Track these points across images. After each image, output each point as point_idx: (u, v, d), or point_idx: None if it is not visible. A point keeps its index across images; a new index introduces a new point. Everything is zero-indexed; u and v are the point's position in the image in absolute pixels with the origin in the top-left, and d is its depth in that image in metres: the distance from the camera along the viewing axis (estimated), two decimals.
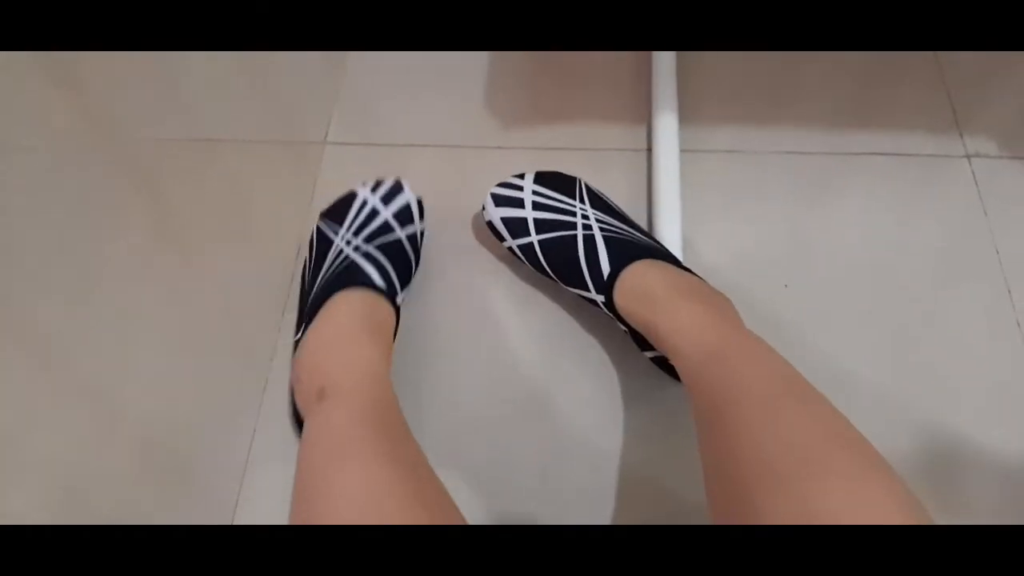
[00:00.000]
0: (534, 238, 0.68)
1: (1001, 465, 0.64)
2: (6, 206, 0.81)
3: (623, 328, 0.65)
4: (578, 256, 0.65)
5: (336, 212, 0.71)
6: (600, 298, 0.64)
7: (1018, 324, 0.71)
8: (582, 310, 0.72)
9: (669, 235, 0.73)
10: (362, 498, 0.46)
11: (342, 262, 0.66)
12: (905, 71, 0.88)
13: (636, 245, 0.66)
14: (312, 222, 0.74)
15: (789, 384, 0.50)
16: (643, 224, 0.76)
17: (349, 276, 0.64)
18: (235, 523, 0.63)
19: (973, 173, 0.80)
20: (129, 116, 0.87)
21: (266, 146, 0.84)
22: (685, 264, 0.67)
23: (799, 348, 0.69)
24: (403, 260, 0.68)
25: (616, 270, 0.63)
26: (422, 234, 0.73)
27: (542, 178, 0.72)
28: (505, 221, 0.70)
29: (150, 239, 0.78)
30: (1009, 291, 0.72)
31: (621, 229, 0.67)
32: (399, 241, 0.69)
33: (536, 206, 0.69)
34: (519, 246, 0.70)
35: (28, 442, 0.67)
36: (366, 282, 0.64)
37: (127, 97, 0.88)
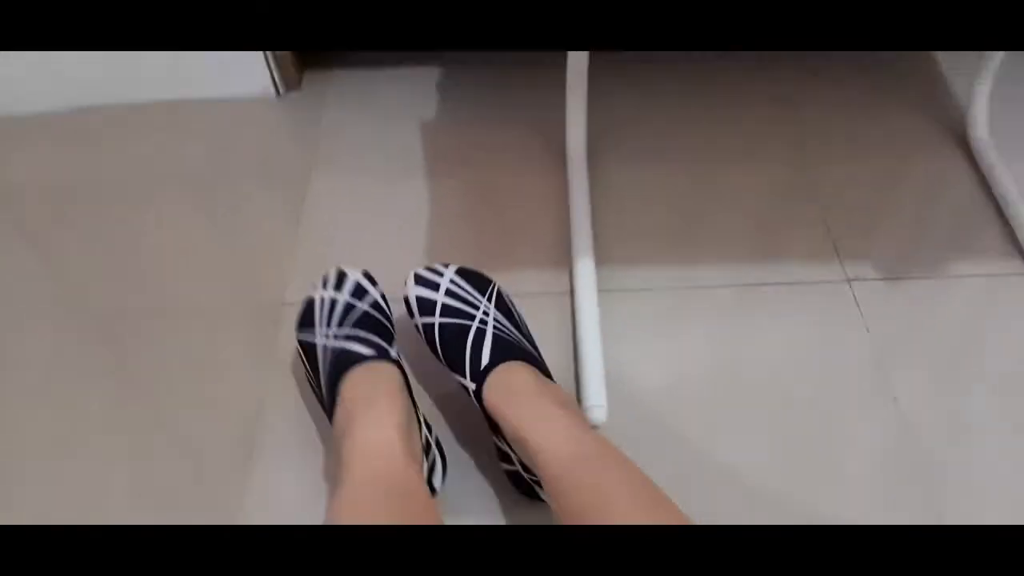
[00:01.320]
0: (436, 319, 0.76)
1: None
2: None
3: (487, 420, 0.72)
4: (466, 344, 0.72)
5: (306, 320, 0.78)
6: (472, 386, 0.70)
7: (908, 427, 0.80)
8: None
9: (593, 366, 0.83)
10: None
11: (330, 355, 0.72)
12: (793, 207, 1.01)
13: (519, 348, 0.73)
14: (273, 381, 0.82)
15: (643, 489, 0.58)
16: (569, 359, 0.85)
17: (341, 362, 0.71)
18: None
19: (854, 295, 0.91)
20: (91, 284, 0.95)
21: (225, 311, 0.92)
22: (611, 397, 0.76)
23: (715, 458, 0.78)
24: (377, 324, 0.75)
25: (493, 364, 0.70)
26: (383, 296, 0.80)
27: (462, 272, 0.80)
28: (418, 300, 0.78)
29: (116, 402, 0.85)
30: (895, 399, 0.82)
31: (512, 333, 0.75)
32: (365, 313, 0.76)
33: (448, 293, 0.77)
34: (423, 324, 0.77)
35: None
36: (356, 358, 0.71)
37: (93, 268, 0.97)
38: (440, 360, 0.76)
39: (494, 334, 0.73)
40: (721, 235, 0.98)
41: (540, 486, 0.70)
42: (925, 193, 1.03)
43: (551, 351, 0.86)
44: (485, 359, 0.71)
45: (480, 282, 0.80)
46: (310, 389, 0.81)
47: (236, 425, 0.82)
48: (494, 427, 0.71)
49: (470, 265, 0.82)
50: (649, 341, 0.88)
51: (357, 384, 0.70)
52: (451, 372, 0.74)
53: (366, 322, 0.75)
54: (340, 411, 0.69)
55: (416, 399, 0.73)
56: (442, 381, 0.81)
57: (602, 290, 0.90)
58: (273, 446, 0.80)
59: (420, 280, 0.79)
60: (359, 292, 0.79)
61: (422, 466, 0.69)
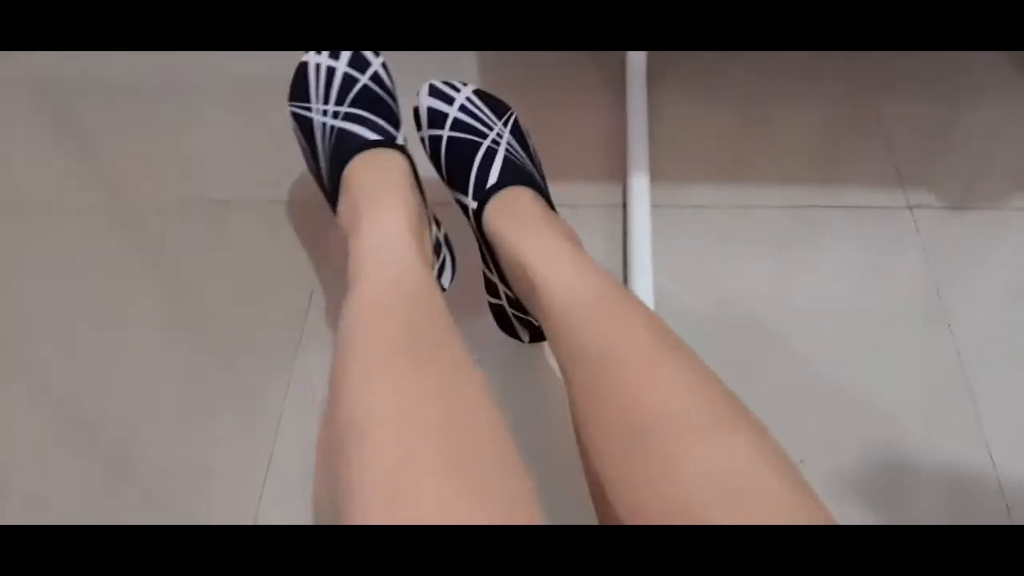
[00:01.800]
0: (445, 132, 0.69)
1: (941, 479, 0.71)
2: (21, 266, 0.90)
3: (480, 243, 0.66)
4: (473, 161, 0.66)
5: (298, 90, 0.71)
6: (473, 204, 0.64)
7: (957, 353, 0.79)
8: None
9: (643, 284, 0.82)
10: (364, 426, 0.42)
11: (331, 135, 0.66)
12: (854, 130, 0.98)
13: (529, 176, 0.66)
14: (325, 272, 0.82)
15: (663, 329, 0.51)
16: (618, 274, 0.85)
17: (344, 145, 0.65)
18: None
19: (916, 223, 0.89)
20: (140, 179, 0.96)
21: (279, 206, 0.93)
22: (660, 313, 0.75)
23: (763, 378, 0.78)
24: (379, 102, 0.69)
25: (500, 185, 0.63)
26: (384, 67, 0.73)
27: (480, 93, 0.73)
28: (429, 111, 0.71)
29: (166, 299, 0.86)
30: (949, 325, 0.81)
31: (524, 161, 0.68)
32: (366, 87, 0.69)
33: (462, 109, 0.70)
34: (430, 136, 0.70)
35: (42, 486, 0.73)
36: (361, 143, 0.65)
37: (139, 161, 0.98)
38: (441, 176, 0.70)
39: (505, 155, 0.66)
40: (779, 159, 0.96)
41: (524, 324, 0.68)
42: (993, 124, 0.99)
43: (598, 264, 0.85)
44: (492, 178, 0.64)
45: (498, 106, 0.73)
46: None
47: (285, 317, 0.83)
48: (488, 254, 0.66)
49: None
50: (700, 259, 0.87)
51: (362, 173, 0.63)
52: (451, 190, 0.68)
53: (368, 99, 0.68)
54: (345, 201, 0.63)
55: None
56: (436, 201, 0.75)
57: (655, 205, 0.89)
58: (322, 334, 0.81)
59: (434, 91, 0.72)
60: (359, 62, 0.70)
61: (433, 266, 0.64)
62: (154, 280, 0.88)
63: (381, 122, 0.66)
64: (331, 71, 0.69)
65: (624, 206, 0.90)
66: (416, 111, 0.72)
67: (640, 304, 0.53)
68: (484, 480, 0.39)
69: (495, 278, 0.67)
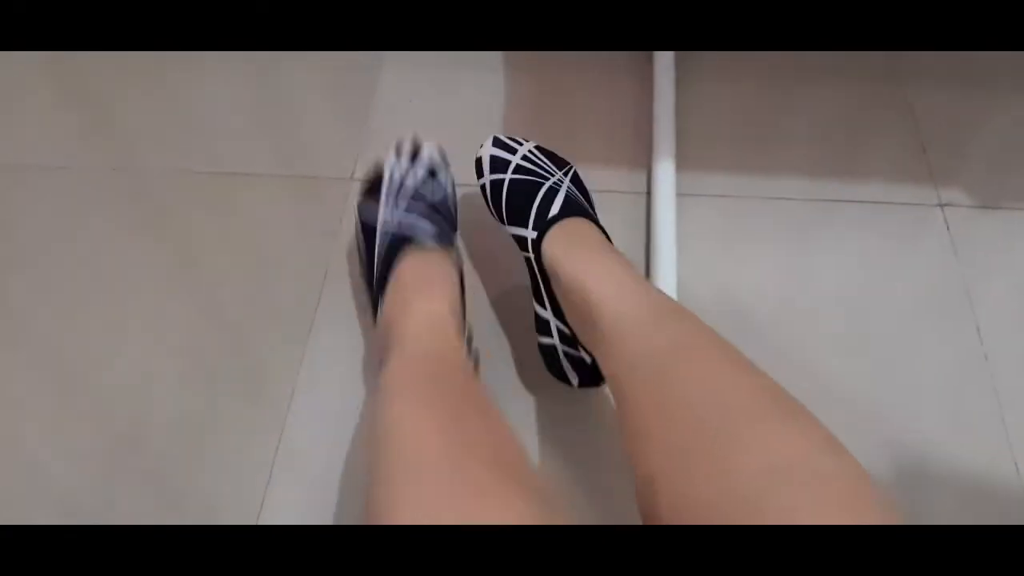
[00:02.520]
0: (508, 176, 0.71)
1: (964, 483, 0.70)
2: (29, 227, 0.88)
3: (534, 279, 0.67)
4: (535, 197, 0.68)
5: (372, 191, 0.73)
6: (533, 235, 0.65)
7: (985, 357, 0.77)
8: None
9: (665, 273, 0.80)
10: (403, 439, 0.47)
11: (393, 229, 0.69)
12: (883, 123, 0.96)
13: (589, 213, 0.68)
14: (337, 255, 0.81)
15: (727, 345, 0.52)
16: (641, 263, 0.83)
17: (403, 241, 0.67)
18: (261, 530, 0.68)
19: (946, 221, 0.87)
20: (157, 147, 0.94)
21: (293, 181, 0.91)
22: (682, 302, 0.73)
23: (782, 375, 0.76)
24: (443, 207, 0.72)
25: (561, 216, 0.65)
26: (452, 180, 0.76)
27: (541, 148, 0.76)
28: (492, 159, 0.74)
29: (176, 270, 0.85)
30: (978, 328, 0.79)
31: (583, 202, 0.70)
32: (432, 194, 0.72)
33: (525, 158, 0.73)
34: (491, 181, 0.72)
35: (46, 465, 0.72)
36: (418, 243, 0.67)
37: (156, 129, 0.95)
38: (498, 216, 0.71)
39: (567, 194, 0.68)
40: (807, 148, 0.93)
41: (575, 364, 0.67)
42: None
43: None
44: (554, 210, 0.66)
45: (558, 160, 0.76)
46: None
47: (299, 293, 0.81)
48: (544, 285, 0.66)
49: None
50: (724, 250, 0.85)
51: (416, 266, 0.66)
52: (510, 226, 0.69)
53: (434, 202, 0.72)
54: (394, 290, 0.65)
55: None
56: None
57: (680, 194, 0.86)
58: (335, 316, 0.80)
59: (498, 143, 0.75)
60: (433, 169, 0.75)
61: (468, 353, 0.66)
62: (164, 252, 0.86)
63: (441, 222, 0.70)
64: (404, 176, 0.72)
65: (648, 194, 0.88)
66: (479, 160, 0.75)
67: (698, 319, 0.54)
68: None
69: (548, 314, 0.67)
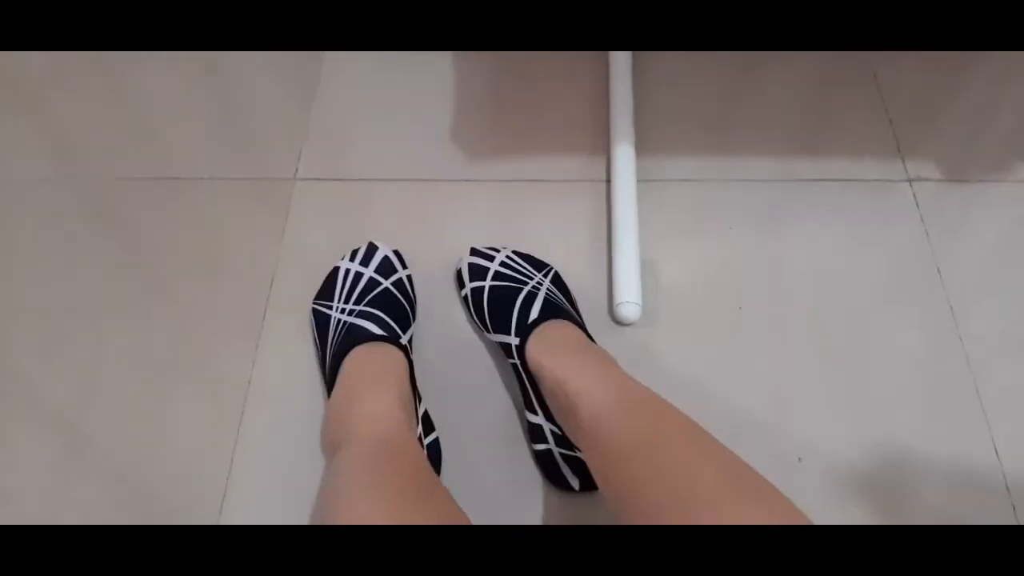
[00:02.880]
0: (487, 283, 0.72)
1: (944, 471, 0.68)
2: None
3: (523, 385, 0.68)
4: (515, 303, 0.69)
5: (325, 291, 0.74)
6: (516, 340, 0.66)
7: (960, 339, 0.74)
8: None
9: (628, 257, 0.77)
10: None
11: (341, 329, 0.69)
12: (849, 99, 0.93)
13: (569, 313, 0.69)
14: (283, 257, 0.77)
15: (696, 431, 0.52)
16: (604, 251, 0.79)
17: (350, 338, 0.67)
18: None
19: (915, 196, 0.84)
20: (97, 153, 0.89)
21: (237, 183, 0.86)
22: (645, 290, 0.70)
23: (752, 366, 0.73)
24: (395, 305, 0.71)
25: (541, 319, 0.66)
26: (409, 279, 0.75)
27: (519, 253, 0.77)
28: (471, 267, 0.75)
29: (119, 274, 0.80)
30: (951, 308, 0.76)
31: (564, 304, 0.71)
32: (387, 290, 0.72)
33: (503, 264, 0.74)
34: (472, 289, 0.73)
35: (7, 476, 0.68)
36: (366, 336, 0.67)
37: (95, 133, 0.90)
38: (482, 325, 0.73)
39: (546, 297, 0.70)
40: (771, 126, 0.90)
41: (574, 466, 0.66)
42: (996, 91, 0.94)
43: (583, 242, 0.80)
44: (534, 315, 0.67)
45: (536, 262, 0.76)
46: (317, 265, 0.76)
47: (247, 299, 0.77)
48: (532, 389, 0.67)
49: (501, 148, 0.76)
50: (688, 236, 0.82)
51: (363, 362, 0.66)
52: (494, 334, 0.70)
53: (385, 301, 0.71)
54: (341, 384, 0.65)
55: (422, 386, 0.70)
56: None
57: (641, 180, 0.83)
58: (284, 322, 0.76)
59: (475, 252, 0.76)
60: (386, 269, 0.74)
61: (420, 438, 0.66)
62: (106, 259, 0.81)
63: (390, 321, 0.69)
64: (358, 275, 0.73)
65: (608, 181, 0.84)
66: (459, 273, 0.76)
67: (669, 408, 0.54)
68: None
69: (540, 419, 0.67)
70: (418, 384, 0.69)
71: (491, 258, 0.75)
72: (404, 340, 0.69)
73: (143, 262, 0.81)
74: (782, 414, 0.70)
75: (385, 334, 0.67)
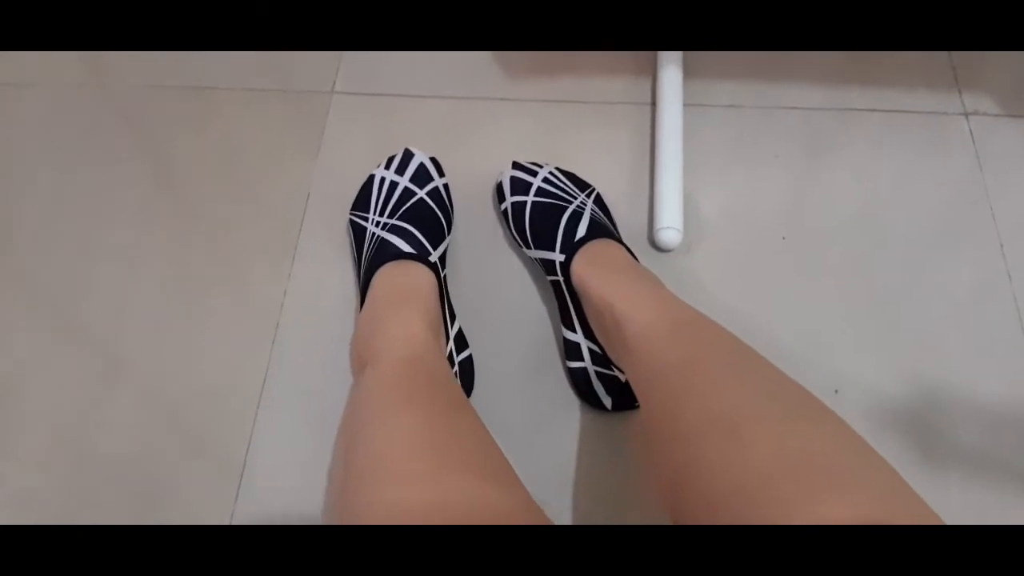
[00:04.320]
0: (529, 198, 0.71)
1: (985, 410, 0.67)
2: (4, 141, 0.83)
3: (563, 302, 0.67)
4: (560, 221, 0.67)
5: (361, 201, 0.73)
6: (561, 257, 0.65)
7: (1009, 277, 0.73)
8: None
9: (671, 183, 0.75)
10: (383, 450, 0.48)
11: (374, 243, 0.68)
12: None
13: (614, 233, 0.68)
14: (319, 173, 0.76)
15: (741, 350, 0.51)
16: (646, 176, 0.78)
17: (380, 255, 0.66)
18: (243, 477, 0.65)
19: (971, 131, 0.81)
20: (128, 62, 0.88)
21: (272, 95, 0.85)
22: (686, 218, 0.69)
23: (792, 297, 0.72)
24: (429, 218, 0.70)
25: (588, 238, 0.65)
26: (445, 187, 0.74)
27: (562, 170, 0.75)
28: (512, 180, 0.73)
29: (154, 186, 0.79)
30: (1001, 245, 0.74)
31: (608, 224, 0.69)
32: (421, 201, 0.71)
33: (546, 180, 0.72)
34: (513, 203, 0.72)
35: (31, 391, 0.69)
36: (395, 254, 0.66)
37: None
38: (522, 240, 0.71)
39: (591, 216, 0.68)
40: (823, 54, 0.86)
41: (609, 385, 0.65)
42: None
43: (625, 166, 0.79)
44: (580, 232, 0.66)
45: (580, 181, 0.74)
46: (354, 182, 0.75)
47: (280, 218, 0.76)
48: (573, 306, 0.66)
49: (543, 67, 0.73)
50: (732, 163, 0.80)
51: (389, 281, 0.65)
52: (535, 250, 0.69)
53: (418, 214, 0.70)
54: (368, 305, 0.65)
55: (453, 302, 0.70)
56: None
57: (687, 103, 0.81)
58: (319, 241, 0.75)
59: (517, 166, 0.74)
60: (421, 178, 0.73)
61: (451, 357, 0.66)
62: (141, 171, 0.80)
63: (420, 237, 0.68)
64: (393, 185, 0.72)
65: (653, 104, 0.82)
66: (499, 186, 0.75)
67: (723, 329, 0.53)
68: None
69: (578, 336, 0.66)
70: (452, 300, 0.69)
71: (534, 173, 0.73)
72: (435, 256, 0.68)
73: (177, 176, 0.80)
74: (821, 346, 0.69)
75: (415, 251, 0.66)
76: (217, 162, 0.80)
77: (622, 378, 0.64)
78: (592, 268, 0.63)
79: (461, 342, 0.68)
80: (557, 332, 0.70)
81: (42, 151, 0.82)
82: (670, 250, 0.74)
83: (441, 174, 0.74)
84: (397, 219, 0.69)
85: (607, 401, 0.65)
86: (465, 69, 0.86)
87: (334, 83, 0.84)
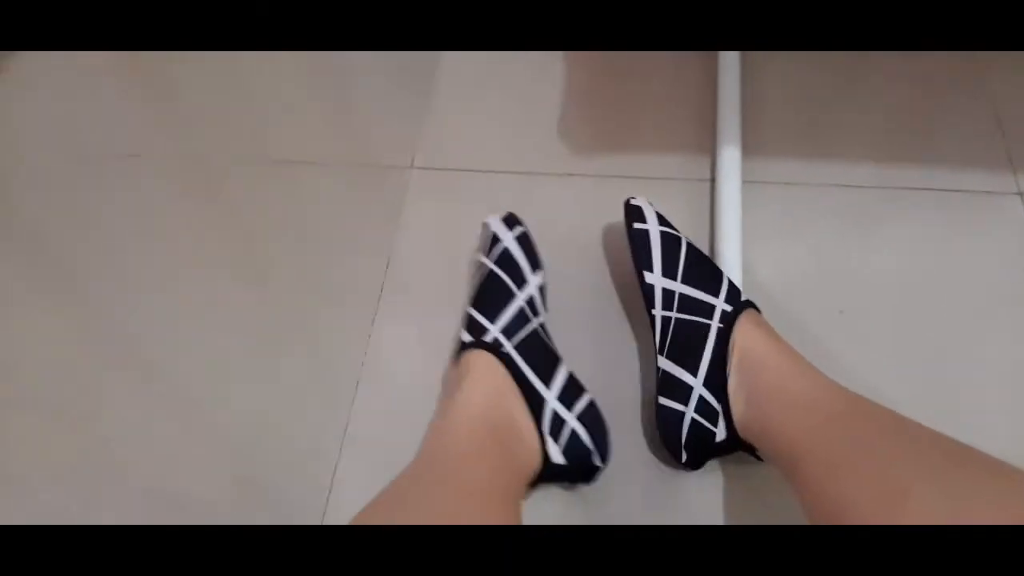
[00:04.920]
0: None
1: None
2: (104, 211, 0.90)
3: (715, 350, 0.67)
4: (721, 270, 0.71)
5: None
6: (727, 307, 0.67)
7: None
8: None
9: (730, 260, 0.79)
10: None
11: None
12: (958, 105, 0.92)
13: None
14: (398, 243, 0.82)
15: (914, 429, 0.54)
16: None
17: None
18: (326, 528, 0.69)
19: None
20: (214, 135, 0.95)
21: (354, 170, 0.91)
22: (746, 290, 0.72)
23: (851, 373, 0.74)
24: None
25: (749, 304, 0.68)
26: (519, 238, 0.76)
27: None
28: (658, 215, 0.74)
29: (240, 255, 0.86)
30: None
31: None
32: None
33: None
34: (663, 232, 0.72)
35: (124, 448, 0.74)
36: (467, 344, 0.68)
37: (217, 123, 0.97)
38: (671, 274, 0.71)
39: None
40: (877, 134, 0.90)
41: (698, 441, 0.66)
42: None
43: None
44: (744, 296, 0.69)
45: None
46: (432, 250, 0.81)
47: (362, 283, 0.82)
48: (709, 357, 0.66)
49: (603, 141, 0.77)
50: (790, 238, 0.83)
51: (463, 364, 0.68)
52: (681, 284, 0.70)
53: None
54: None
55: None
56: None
57: (745, 181, 0.85)
58: (398, 305, 0.81)
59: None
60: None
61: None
62: (231, 238, 0.87)
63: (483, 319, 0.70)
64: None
65: (712, 181, 0.86)
66: (636, 208, 0.75)
67: (896, 414, 0.56)
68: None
69: (694, 380, 0.66)
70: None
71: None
72: (490, 337, 0.67)
73: (261, 244, 0.87)
74: None
75: (472, 339, 0.67)
76: (305, 231, 0.87)
77: (720, 436, 0.65)
78: (767, 331, 0.66)
79: (575, 389, 0.68)
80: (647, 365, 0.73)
81: (144, 215, 0.90)
82: None
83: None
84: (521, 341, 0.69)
85: (684, 456, 0.66)
86: (534, 145, 0.91)
87: (412, 159, 0.91)
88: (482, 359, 0.66)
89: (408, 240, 0.85)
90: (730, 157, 0.85)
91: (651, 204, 0.76)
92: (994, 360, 0.75)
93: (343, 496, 0.70)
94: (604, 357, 0.76)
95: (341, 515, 0.67)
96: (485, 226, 0.77)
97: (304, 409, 0.75)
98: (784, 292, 0.79)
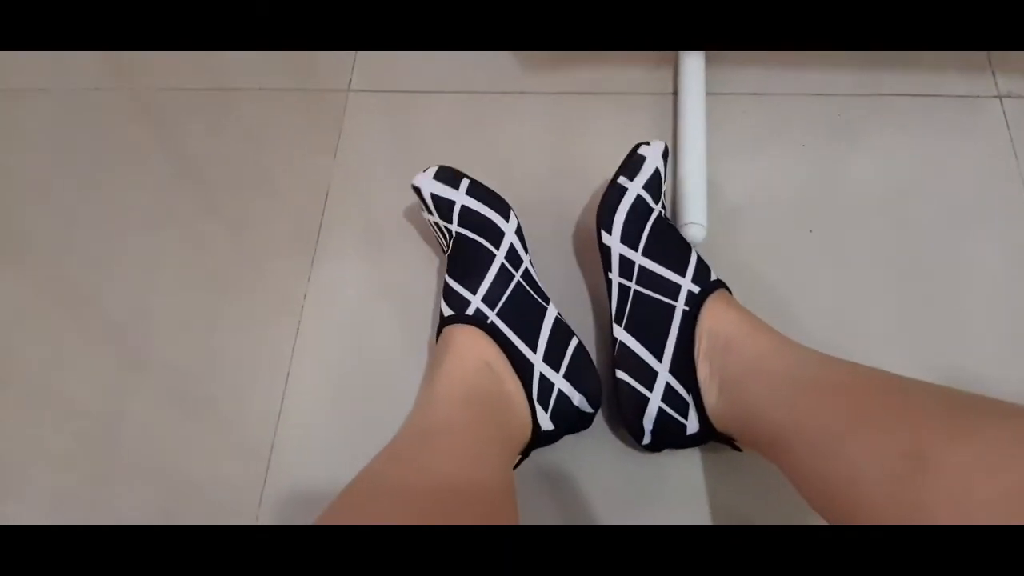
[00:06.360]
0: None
1: (1014, 394, 0.65)
2: (25, 147, 0.83)
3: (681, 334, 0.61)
4: (690, 250, 0.64)
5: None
6: (694, 288, 0.61)
7: None
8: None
9: (695, 176, 0.73)
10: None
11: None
12: None
13: None
14: (337, 170, 0.75)
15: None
16: (670, 165, 0.76)
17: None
18: (267, 481, 0.65)
19: (1004, 114, 0.78)
20: (145, 64, 0.87)
21: (288, 94, 0.84)
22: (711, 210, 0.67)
23: (821, 288, 0.70)
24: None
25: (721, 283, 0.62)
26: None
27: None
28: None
29: (172, 187, 0.79)
30: None
31: None
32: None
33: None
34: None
35: (56, 384, 0.70)
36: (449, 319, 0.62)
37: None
38: (631, 245, 0.64)
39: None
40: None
41: (666, 426, 0.60)
42: None
43: None
44: (715, 276, 0.62)
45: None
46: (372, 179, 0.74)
47: (299, 216, 0.76)
48: (674, 342, 0.60)
49: (559, 57, 0.71)
50: (757, 153, 0.78)
51: (489, 384, 0.60)
52: (648, 259, 0.63)
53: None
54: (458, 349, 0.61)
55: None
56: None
57: (709, 92, 0.79)
58: (339, 241, 0.75)
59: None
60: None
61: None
62: (162, 170, 0.80)
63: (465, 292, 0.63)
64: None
65: (675, 94, 0.80)
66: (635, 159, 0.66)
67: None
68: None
69: (660, 365, 0.60)
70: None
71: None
72: (471, 311, 0.62)
73: (194, 176, 0.80)
74: (849, 338, 0.68)
75: (453, 312, 0.62)
76: (236, 161, 0.80)
77: (690, 430, 0.59)
78: (739, 311, 0.60)
79: (563, 333, 0.64)
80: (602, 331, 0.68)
81: (58, 153, 0.82)
82: (697, 244, 0.72)
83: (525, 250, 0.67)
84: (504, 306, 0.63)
85: (646, 438, 0.61)
86: (481, 64, 0.84)
87: (350, 81, 0.83)
88: (464, 334, 0.61)
89: (347, 170, 0.78)
90: (693, 66, 0.79)
91: (664, 157, 0.67)
92: (970, 265, 0.71)
93: (291, 419, 0.67)
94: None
95: (290, 444, 0.66)
96: (417, 189, 0.66)
97: (246, 349, 0.70)
98: (751, 211, 0.74)
